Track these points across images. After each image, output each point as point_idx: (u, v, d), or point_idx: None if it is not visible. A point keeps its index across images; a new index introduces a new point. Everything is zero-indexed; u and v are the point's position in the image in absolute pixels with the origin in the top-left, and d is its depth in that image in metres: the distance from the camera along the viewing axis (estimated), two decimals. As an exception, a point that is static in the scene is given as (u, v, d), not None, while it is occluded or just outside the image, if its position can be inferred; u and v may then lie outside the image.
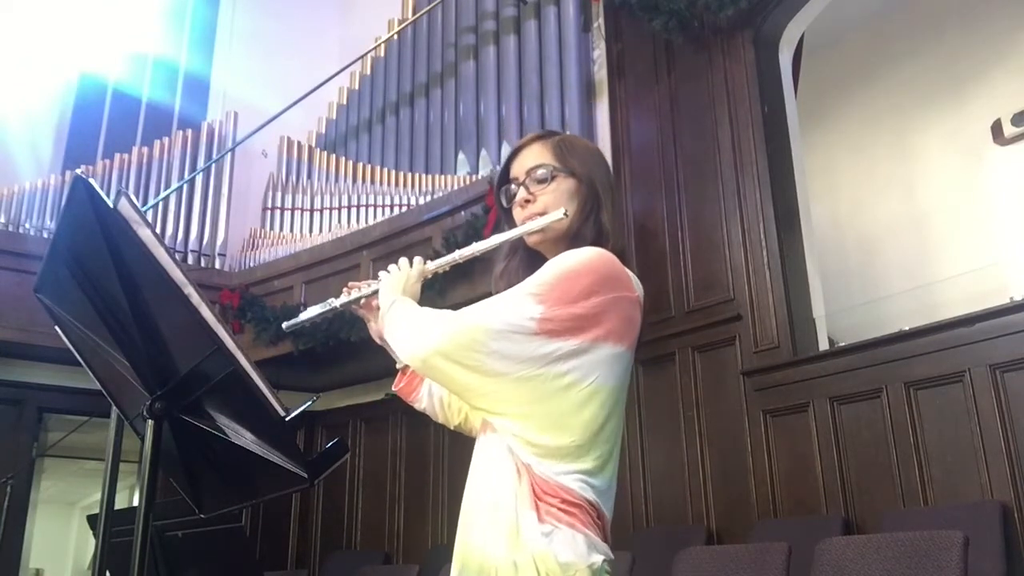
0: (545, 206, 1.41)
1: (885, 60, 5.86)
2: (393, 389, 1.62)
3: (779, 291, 4.00)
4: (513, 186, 1.47)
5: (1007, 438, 3.10)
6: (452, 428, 1.59)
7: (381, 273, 1.47)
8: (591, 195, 1.42)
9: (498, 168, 1.53)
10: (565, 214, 1.38)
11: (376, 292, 1.46)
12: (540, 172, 1.43)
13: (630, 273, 1.35)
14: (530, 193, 1.43)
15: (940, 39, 5.61)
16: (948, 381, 3.32)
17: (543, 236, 1.41)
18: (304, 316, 1.52)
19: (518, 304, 1.25)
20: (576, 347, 1.24)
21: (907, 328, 3.57)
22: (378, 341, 1.53)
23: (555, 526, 1.20)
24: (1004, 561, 2.83)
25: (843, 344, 4.08)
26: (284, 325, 1.57)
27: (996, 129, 5.27)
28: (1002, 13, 5.33)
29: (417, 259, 1.47)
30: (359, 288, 1.51)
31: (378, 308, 1.45)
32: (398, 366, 1.58)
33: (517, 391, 1.24)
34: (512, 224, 1.46)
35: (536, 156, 1.45)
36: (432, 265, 1.48)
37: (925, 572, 2.46)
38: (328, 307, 1.51)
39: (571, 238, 1.40)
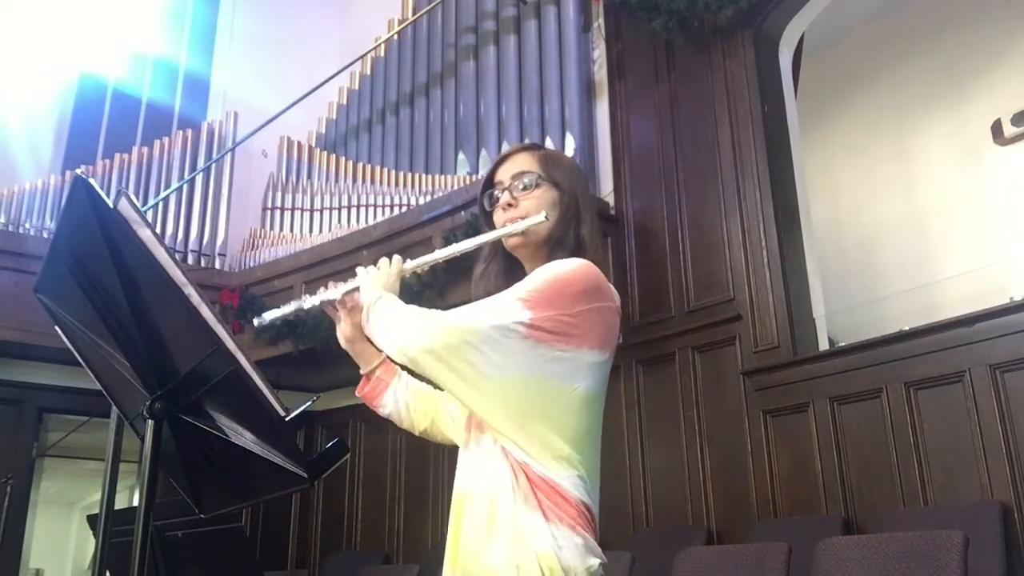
0: (526, 211, 1.44)
1: (885, 60, 5.85)
2: (357, 394, 1.62)
3: (779, 291, 4.00)
4: (497, 191, 1.50)
5: (1007, 438, 3.11)
6: (417, 434, 1.62)
7: (358, 269, 1.49)
8: (572, 207, 1.46)
9: (498, 168, 1.54)
10: (546, 217, 1.41)
11: (351, 291, 1.47)
12: (526, 179, 1.46)
13: (610, 284, 1.38)
14: (513, 198, 1.47)
15: (940, 39, 5.61)
16: (948, 381, 3.32)
17: (523, 240, 1.44)
18: (276, 313, 1.55)
19: (507, 308, 1.27)
20: (562, 353, 1.27)
21: (907, 328, 3.57)
22: (343, 345, 1.55)
23: (558, 526, 1.21)
24: (1004, 561, 2.83)
25: (843, 344, 4.08)
26: (255, 321, 1.60)
27: (996, 129, 5.27)
28: (1002, 13, 5.33)
29: (396, 257, 1.49)
30: (334, 287, 1.51)
31: (352, 309, 1.48)
32: (363, 371, 1.60)
33: (505, 394, 1.26)
34: (492, 227, 1.49)
35: (523, 164, 1.49)
36: (411, 264, 1.49)
37: (925, 572, 2.46)
38: (297, 305, 1.52)
39: (551, 245, 1.43)
